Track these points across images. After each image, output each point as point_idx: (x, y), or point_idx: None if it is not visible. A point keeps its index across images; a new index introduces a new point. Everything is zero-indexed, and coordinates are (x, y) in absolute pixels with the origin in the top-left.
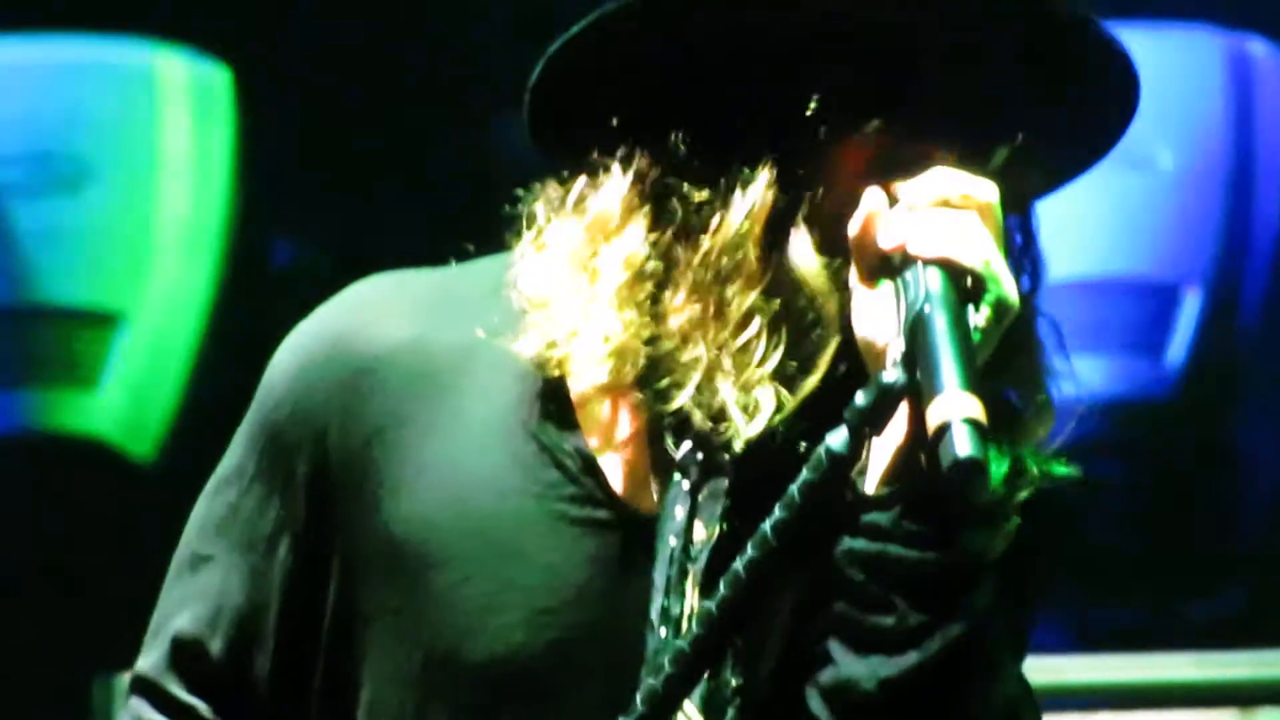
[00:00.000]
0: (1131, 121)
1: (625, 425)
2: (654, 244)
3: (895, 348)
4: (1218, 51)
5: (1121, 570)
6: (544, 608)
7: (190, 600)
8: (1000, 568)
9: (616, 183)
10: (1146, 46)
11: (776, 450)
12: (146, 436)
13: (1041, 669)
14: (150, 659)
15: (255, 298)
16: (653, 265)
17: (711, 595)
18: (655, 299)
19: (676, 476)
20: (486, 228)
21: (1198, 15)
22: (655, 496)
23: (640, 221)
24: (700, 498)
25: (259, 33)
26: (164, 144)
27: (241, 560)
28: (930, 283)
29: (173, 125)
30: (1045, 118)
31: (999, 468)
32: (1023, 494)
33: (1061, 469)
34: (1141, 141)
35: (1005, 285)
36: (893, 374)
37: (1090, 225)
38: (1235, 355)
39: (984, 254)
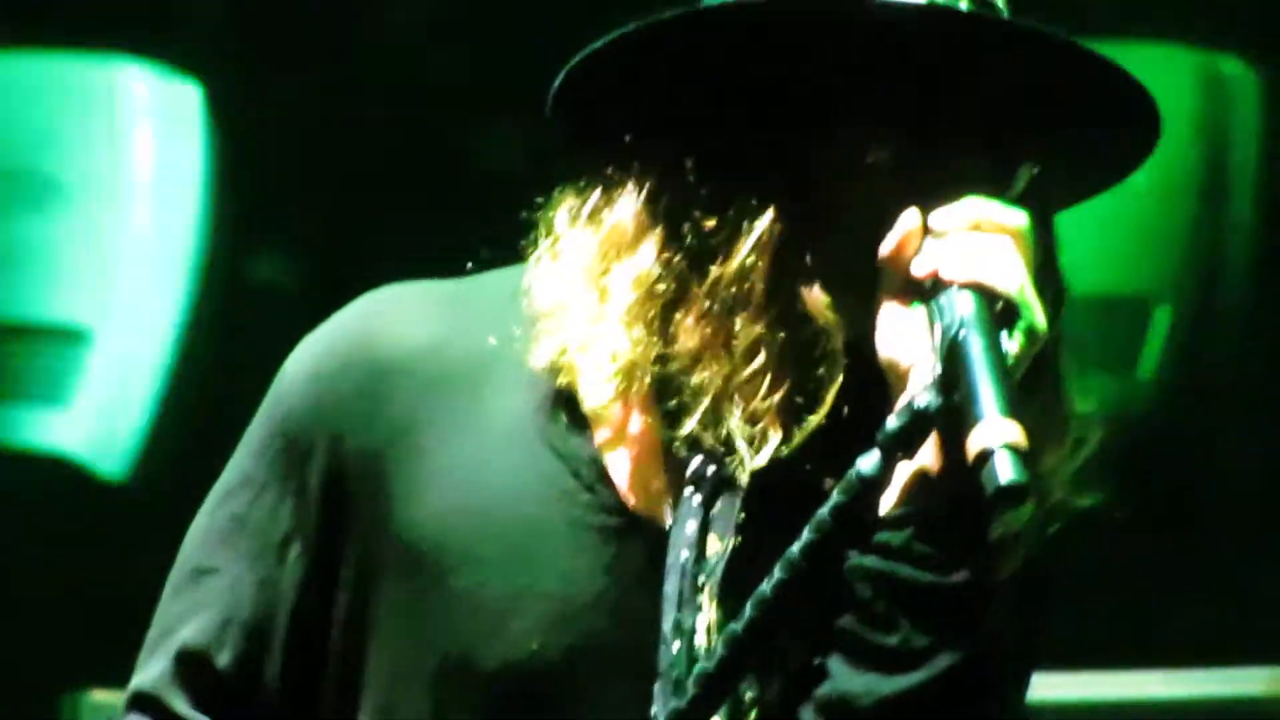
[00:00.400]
0: (1150, 153)
1: (639, 436)
2: (665, 264)
3: (927, 371)
4: (1190, 69)
5: (1090, 586)
6: (560, 614)
7: (195, 612)
8: (1011, 592)
9: (630, 200)
10: (1118, 61)
11: (790, 468)
12: (115, 454)
13: None
14: (151, 673)
15: (226, 315)
16: (663, 286)
17: (729, 608)
18: (666, 319)
19: (688, 490)
20: (461, 242)
21: (1170, 32)
22: (668, 507)
23: (652, 241)
24: (713, 510)
25: (228, 49)
26: (132, 160)
27: (250, 570)
28: (965, 307)
29: (141, 141)
30: (1060, 147)
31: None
32: (1051, 516)
33: (1085, 497)
34: None
35: (1037, 312)
36: (925, 397)
37: (1062, 242)
38: (1207, 372)
39: (1017, 280)
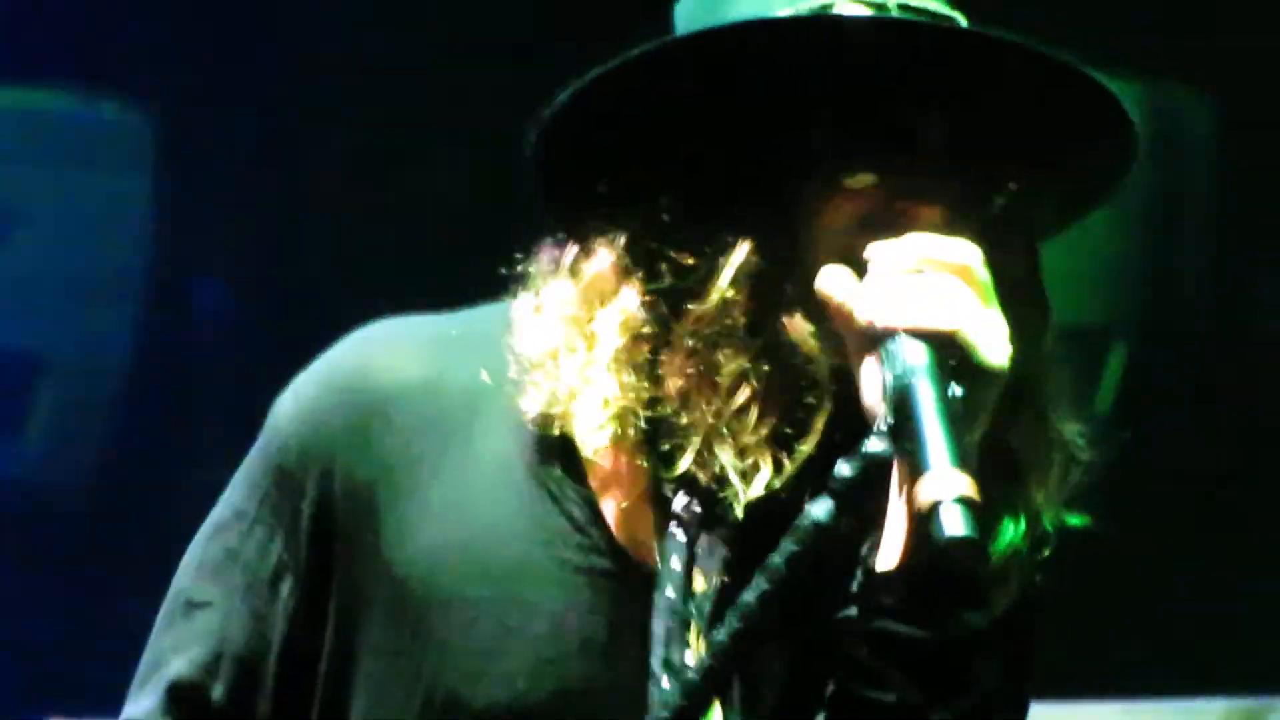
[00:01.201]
0: (1131, 165)
1: (630, 478)
2: (649, 307)
3: (881, 418)
4: (1144, 100)
5: (1046, 616)
6: (548, 656)
7: (186, 645)
8: (1003, 639)
9: (609, 247)
10: None
11: (778, 504)
12: (71, 483)
13: None
14: (142, 706)
15: (177, 344)
16: (650, 329)
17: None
18: (654, 361)
19: (673, 528)
20: (414, 272)
21: (1123, 62)
22: (658, 547)
23: (635, 285)
24: (698, 549)
25: (179, 78)
26: (88, 190)
27: (242, 603)
28: (911, 353)
29: (96, 171)
30: (1039, 165)
31: (1014, 528)
32: (1039, 545)
33: (1074, 519)
34: None
35: (986, 350)
36: (877, 444)
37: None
38: (1156, 400)
39: (962, 319)
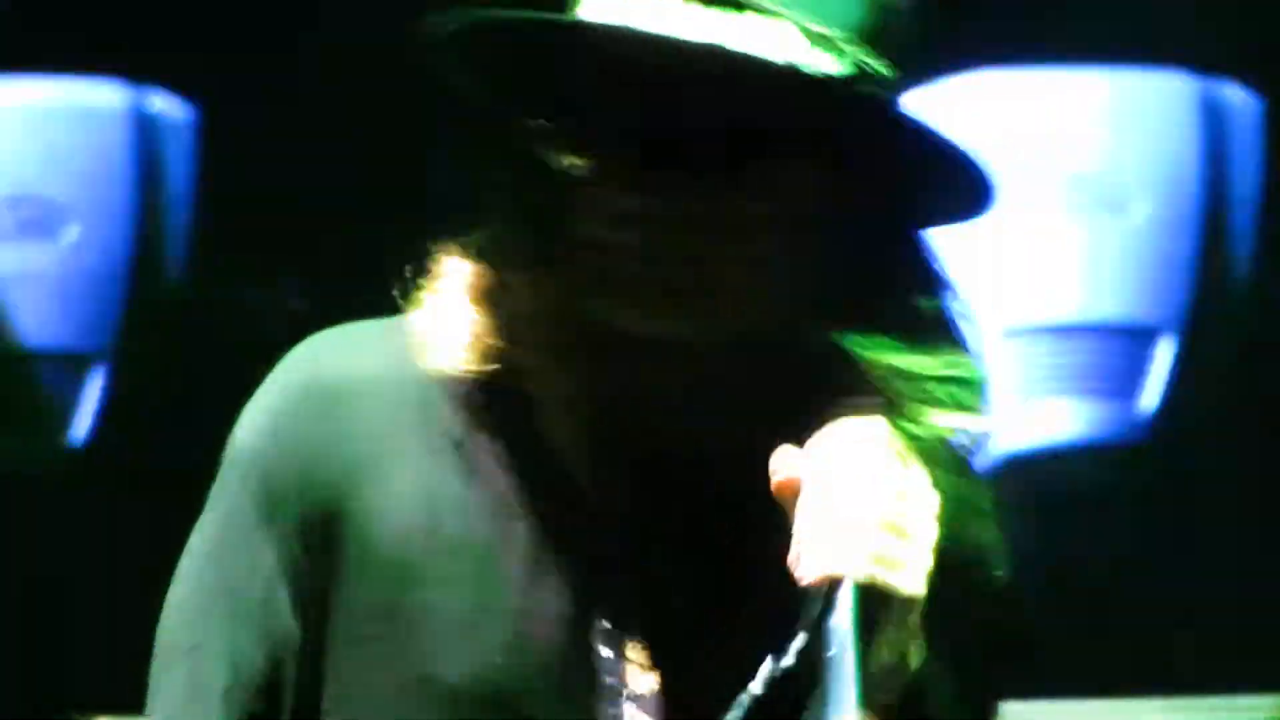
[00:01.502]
0: (986, 202)
1: (582, 441)
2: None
3: (794, 642)
4: (1192, 96)
5: (1089, 613)
6: (523, 629)
7: (197, 688)
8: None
9: (497, 218)
10: (1120, 90)
11: (712, 464)
12: (119, 476)
13: (1003, 716)
14: None
15: (224, 338)
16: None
17: (639, 607)
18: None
19: (597, 496)
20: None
21: (1172, 59)
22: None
23: (520, 251)
24: (628, 514)
25: (229, 75)
26: (137, 185)
27: (241, 630)
28: (830, 595)
29: (145, 166)
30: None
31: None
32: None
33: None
34: (1115, 187)
35: (903, 585)
36: (790, 661)
37: (1064, 270)
38: (1207, 400)
39: (876, 566)
